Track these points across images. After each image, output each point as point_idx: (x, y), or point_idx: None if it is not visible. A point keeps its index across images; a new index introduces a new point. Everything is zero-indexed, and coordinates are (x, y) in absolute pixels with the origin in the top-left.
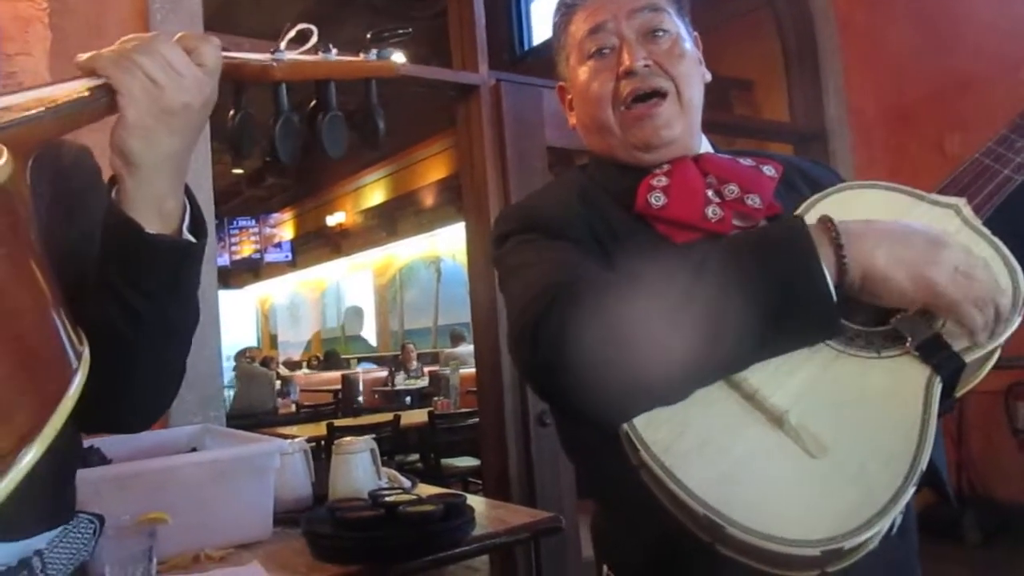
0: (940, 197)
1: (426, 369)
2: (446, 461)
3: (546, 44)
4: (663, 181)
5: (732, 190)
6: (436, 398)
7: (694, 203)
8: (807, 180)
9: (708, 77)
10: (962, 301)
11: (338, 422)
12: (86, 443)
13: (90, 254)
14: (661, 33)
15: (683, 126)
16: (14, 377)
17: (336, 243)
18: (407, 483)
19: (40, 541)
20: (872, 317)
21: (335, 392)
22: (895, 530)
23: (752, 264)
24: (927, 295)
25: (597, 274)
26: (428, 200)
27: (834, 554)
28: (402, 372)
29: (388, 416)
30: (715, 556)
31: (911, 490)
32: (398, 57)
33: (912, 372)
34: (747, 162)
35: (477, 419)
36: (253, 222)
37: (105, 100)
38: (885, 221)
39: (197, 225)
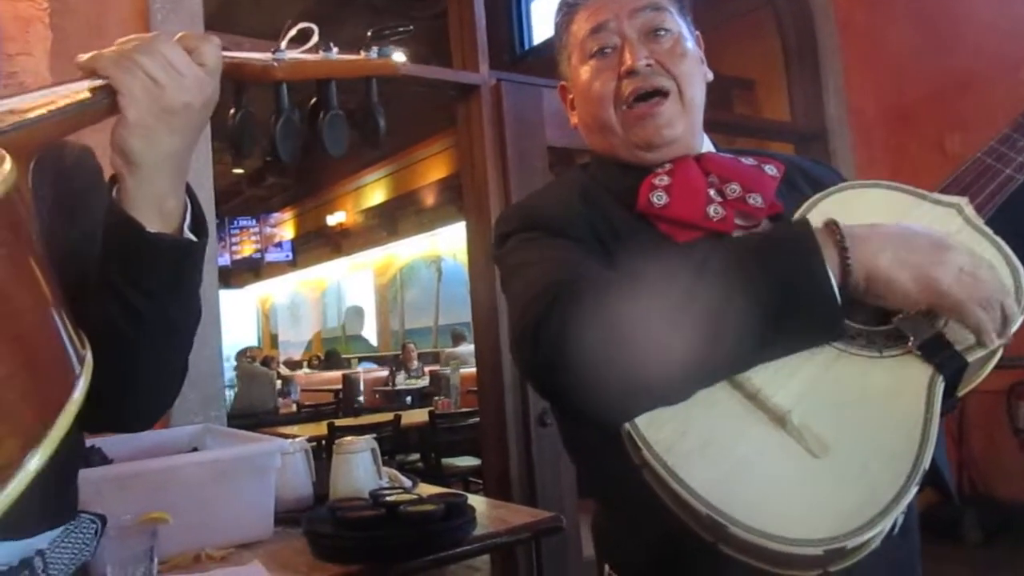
0: (942, 196)
1: (427, 369)
2: (447, 461)
3: (546, 44)
4: (665, 180)
5: (734, 189)
6: (437, 398)
7: (696, 202)
8: (808, 179)
9: (710, 76)
10: (967, 301)
11: (339, 422)
12: (87, 443)
13: (92, 254)
14: (663, 32)
15: (685, 125)
16: (18, 383)
17: (337, 243)
18: (408, 483)
19: (42, 541)
20: (874, 316)
21: (336, 392)
22: (897, 530)
23: (756, 265)
24: (932, 296)
25: (598, 273)
26: (429, 200)
27: (836, 553)
28: (403, 372)
29: (389, 416)
30: (717, 556)
31: (914, 489)
32: (399, 56)
33: (914, 371)
34: (749, 161)
35: (478, 419)
36: (254, 222)
37: (107, 101)
38: (890, 224)
39: (198, 224)
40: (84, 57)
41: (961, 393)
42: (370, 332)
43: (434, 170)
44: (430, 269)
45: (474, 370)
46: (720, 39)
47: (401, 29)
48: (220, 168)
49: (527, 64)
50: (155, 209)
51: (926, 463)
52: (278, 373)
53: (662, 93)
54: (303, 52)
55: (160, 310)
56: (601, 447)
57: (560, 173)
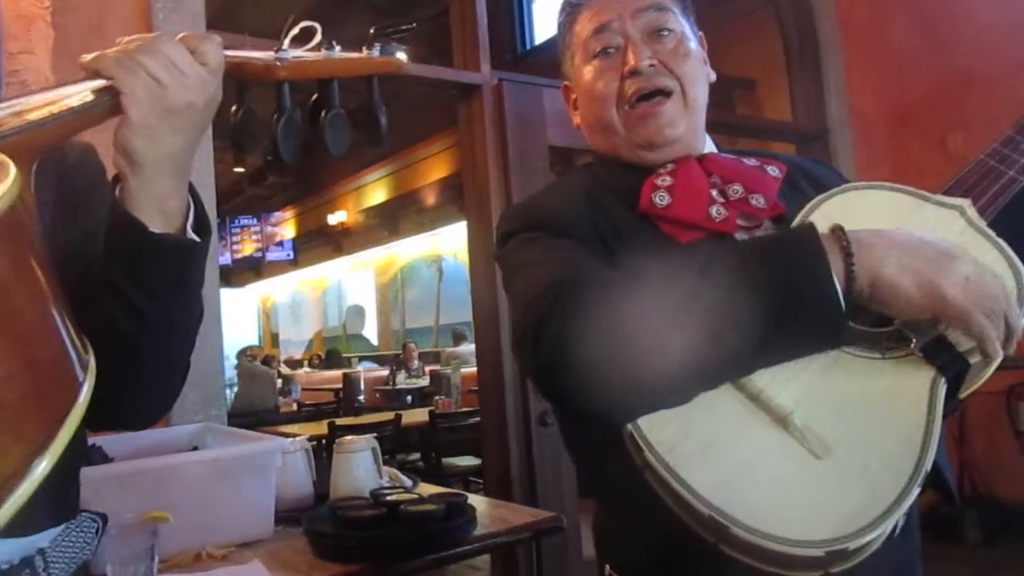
0: (945, 198)
1: (427, 368)
2: (447, 460)
3: (548, 43)
4: (667, 180)
5: (736, 190)
6: (437, 397)
7: (698, 203)
8: (811, 180)
9: (713, 77)
10: (972, 311)
11: (339, 421)
12: (88, 441)
13: (94, 252)
14: (666, 32)
15: (687, 125)
16: (23, 392)
17: (338, 242)
18: (408, 482)
19: (43, 539)
20: (876, 318)
21: (336, 391)
22: (898, 531)
23: (760, 268)
24: (936, 304)
25: (600, 273)
26: (430, 199)
27: (838, 555)
28: (403, 371)
29: (389, 415)
30: (718, 556)
31: (916, 491)
32: (401, 54)
33: (916, 373)
34: (751, 162)
35: (478, 418)
36: (255, 221)
37: (110, 102)
38: (897, 231)
39: (201, 224)
40: (87, 58)
41: (963, 395)
42: (371, 331)
43: (435, 170)
44: (431, 268)
45: (475, 370)
46: (721, 39)
47: (404, 27)
48: (221, 167)
49: (528, 64)
50: (157, 209)
51: (928, 465)
52: (279, 372)
53: (665, 93)
54: (306, 51)
55: (162, 310)
56: (602, 447)
57: (561, 173)
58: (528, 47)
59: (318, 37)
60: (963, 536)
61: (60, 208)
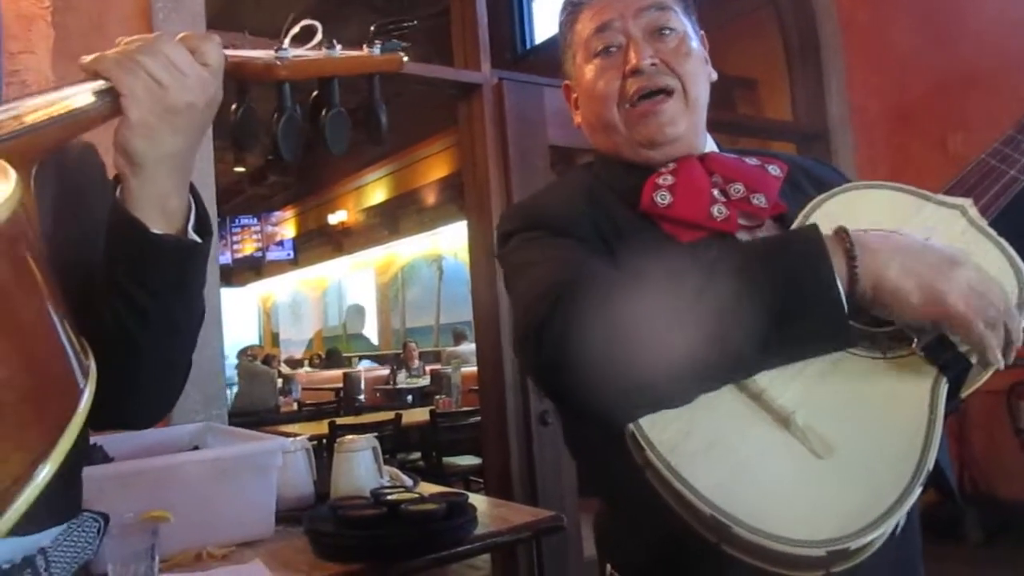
0: (946, 198)
1: (428, 368)
2: (448, 460)
3: (548, 42)
4: (669, 180)
5: (738, 189)
6: (438, 396)
7: (700, 202)
8: (812, 180)
9: (714, 76)
10: (974, 319)
11: (340, 420)
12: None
13: (95, 251)
14: (668, 32)
15: (688, 124)
16: (24, 400)
17: (338, 241)
18: (409, 481)
19: (45, 538)
20: (877, 318)
21: (337, 390)
22: (899, 530)
23: (763, 269)
24: (937, 310)
25: (602, 273)
26: (430, 198)
27: (840, 555)
28: (404, 371)
29: (390, 414)
30: (720, 556)
31: (917, 491)
32: (402, 53)
33: (918, 373)
34: (752, 161)
35: (479, 418)
36: (255, 220)
37: (110, 102)
38: (902, 235)
39: (202, 224)
40: (87, 59)
41: (965, 394)
42: (371, 331)
43: (435, 169)
44: (431, 268)
45: (475, 369)
46: (722, 39)
47: (405, 24)
48: (221, 167)
49: (529, 63)
50: (158, 209)
51: (930, 464)
52: (279, 372)
53: (666, 92)
54: (306, 50)
55: (164, 310)
56: (604, 446)
57: (562, 172)
58: (528, 46)
59: (318, 36)
60: (963, 535)
61: (61, 209)
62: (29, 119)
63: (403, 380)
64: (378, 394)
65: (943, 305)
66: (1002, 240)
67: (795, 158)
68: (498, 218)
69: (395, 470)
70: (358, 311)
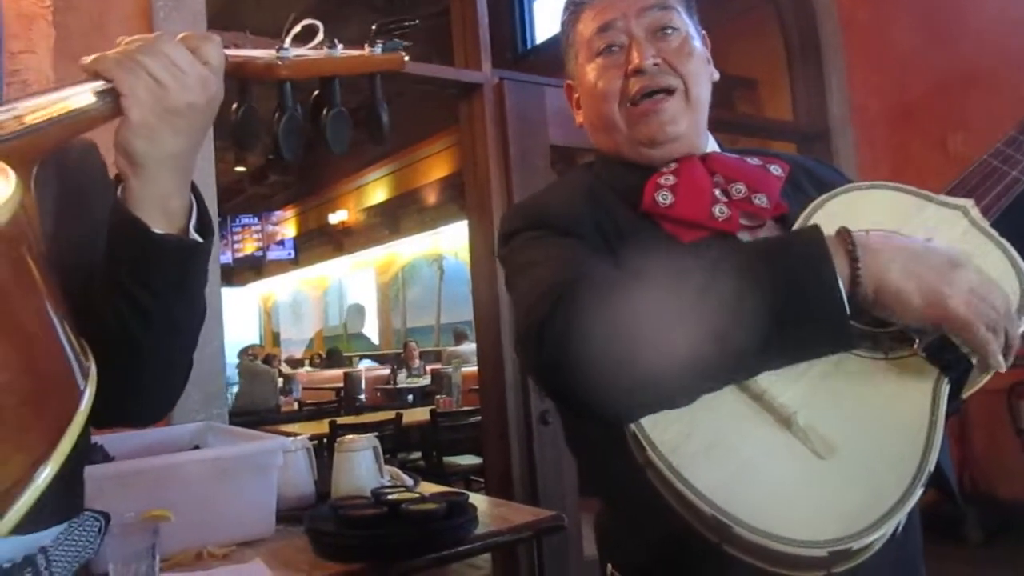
0: (948, 198)
1: (428, 367)
2: (448, 459)
3: (549, 42)
4: (670, 180)
5: (739, 189)
6: (438, 396)
7: (701, 202)
8: (813, 180)
9: (716, 76)
10: (975, 322)
11: (340, 420)
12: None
13: (96, 250)
14: (670, 31)
15: (689, 123)
16: (25, 402)
17: (339, 241)
18: (409, 481)
19: (46, 537)
20: (879, 318)
21: (337, 390)
22: (900, 530)
23: (765, 269)
24: (939, 313)
25: (604, 273)
26: (431, 198)
27: (841, 555)
28: (404, 370)
29: (390, 414)
30: (721, 556)
31: (919, 491)
32: (402, 52)
33: (920, 373)
34: (754, 161)
35: (479, 417)
36: (256, 220)
37: (110, 103)
38: (904, 237)
39: (203, 224)
40: (87, 60)
41: (967, 394)
42: (372, 330)
43: (436, 169)
44: (432, 267)
45: (476, 369)
46: (723, 38)
47: (407, 23)
48: (222, 166)
49: (529, 63)
50: (159, 209)
51: (931, 465)
52: (280, 371)
53: (668, 91)
54: (307, 49)
55: (166, 309)
56: (605, 446)
57: (562, 172)
58: (529, 46)
59: (320, 35)
60: (964, 535)
61: (62, 209)
62: (29, 119)
63: (404, 380)
64: (379, 394)
65: (944, 308)
66: (1004, 241)
67: (796, 158)
68: (499, 218)
69: (396, 470)
70: (358, 310)
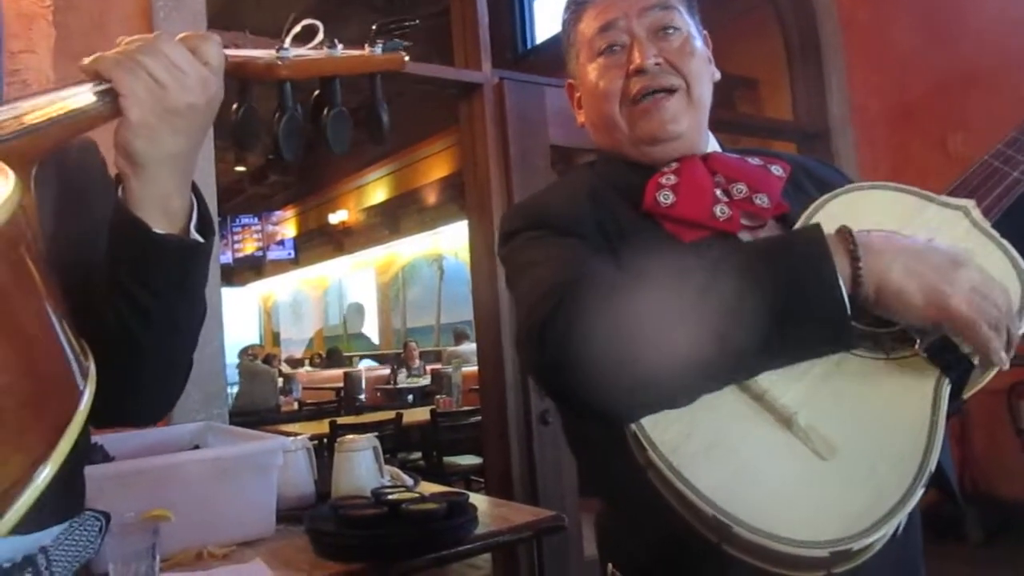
0: (949, 199)
1: (429, 367)
2: (448, 459)
3: (549, 42)
4: (671, 179)
5: (740, 189)
6: (439, 396)
7: (702, 202)
8: (814, 180)
9: (717, 76)
10: (977, 321)
11: (340, 420)
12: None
13: (97, 249)
14: (672, 31)
15: (690, 121)
16: (24, 402)
17: (339, 241)
18: (410, 481)
19: (46, 536)
20: (880, 318)
21: (338, 390)
22: (900, 530)
23: (766, 269)
24: (940, 313)
25: (604, 272)
26: (431, 198)
27: (842, 555)
28: (404, 370)
29: (391, 414)
30: (722, 556)
31: (920, 492)
32: (403, 52)
33: (921, 374)
34: (755, 161)
35: (480, 417)
36: (256, 220)
37: (110, 103)
38: (906, 236)
39: (204, 224)
40: (87, 60)
41: (968, 395)
42: (372, 330)
43: (436, 168)
44: (432, 267)
45: (476, 369)
46: (723, 38)
47: (407, 23)
48: (222, 166)
49: (530, 62)
50: (160, 209)
51: (932, 465)
52: (280, 371)
53: (670, 91)
54: (307, 49)
55: (167, 309)
56: (605, 446)
57: (562, 172)
58: (529, 46)
59: (320, 35)
60: (964, 535)
61: (62, 208)
62: (29, 119)
63: (404, 380)
64: (379, 393)
65: (946, 307)
66: (1005, 242)
67: (797, 158)
68: (499, 218)
69: (396, 470)
70: (358, 309)
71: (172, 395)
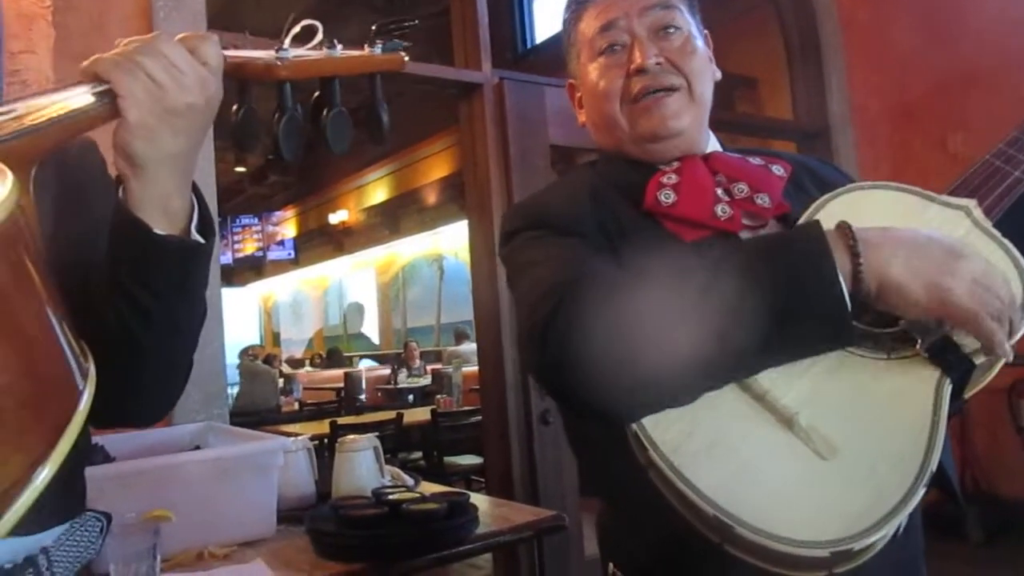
0: (951, 199)
1: (429, 367)
2: (449, 459)
3: (549, 42)
4: (673, 179)
5: (741, 189)
6: (439, 396)
7: (704, 201)
8: (815, 180)
9: (718, 75)
10: (979, 313)
11: (341, 420)
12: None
13: (97, 248)
14: (673, 30)
15: (691, 119)
16: (24, 402)
17: (339, 241)
18: (410, 481)
19: (47, 537)
20: (881, 318)
21: (338, 390)
22: (901, 530)
23: (766, 267)
24: (943, 307)
25: (605, 272)
26: (431, 198)
27: (843, 555)
28: (405, 370)
29: (391, 414)
30: (723, 556)
31: (921, 492)
32: (402, 52)
33: (922, 374)
34: (756, 161)
35: (480, 417)
36: (256, 220)
37: (109, 104)
38: (904, 229)
39: (205, 225)
40: (86, 63)
41: (969, 395)
42: (372, 330)
43: (436, 168)
44: (432, 267)
45: (476, 368)
46: (723, 37)
47: (406, 23)
48: (222, 166)
49: (530, 62)
50: (160, 209)
51: (934, 465)
52: (280, 371)
53: (671, 90)
54: (307, 50)
55: (167, 310)
56: (606, 446)
57: (562, 172)
58: (529, 45)
59: (319, 36)
60: (965, 534)
61: (61, 208)
62: (28, 120)
63: (404, 380)
64: (379, 394)
65: (948, 302)
66: (1006, 241)
67: (799, 158)
68: (499, 218)
69: (396, 470)
70: (357, 308)
71: (172, 396)
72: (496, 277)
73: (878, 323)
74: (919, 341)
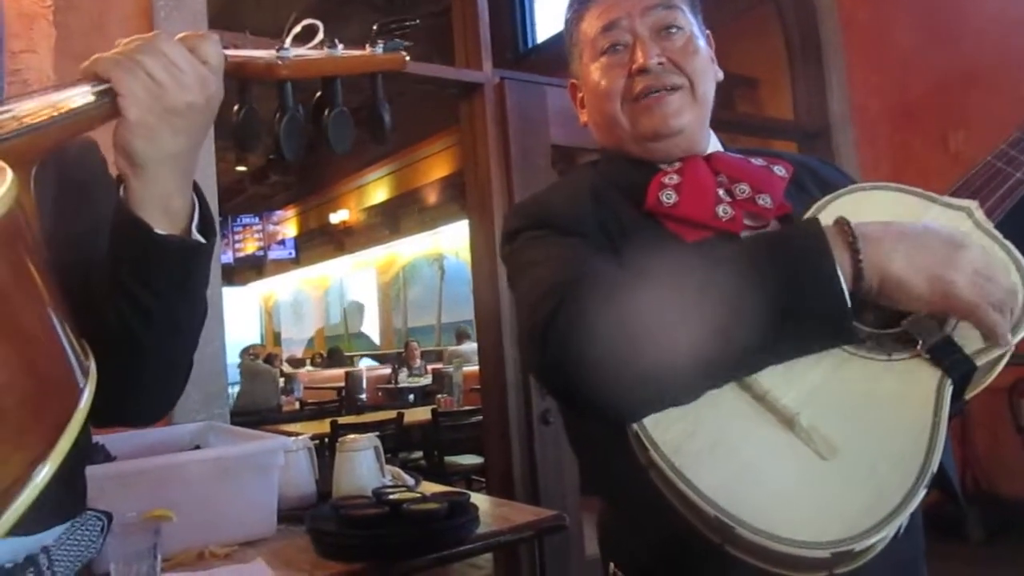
0: (952, 200)
1: (430, 367)
2: (450, 459)
3: (550, 41)
4: (674, 179)
5: (743, 189)
6: (440, 395)
7: (705, 202)
8: (817, 180)
9: (720, 75)
10: (981, 303)
11: (342, 419)
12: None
13: (97, 248)
14: (675, 30)
15: (693, 118)
16: (24, 400)
17: (339, 240)
18: (411, 481)
19: (48, 537)
20: (882, 318)
21: (339, 390)
22: (902, 531)
23: (766, 265)
24: (945, 300)
25: (606, 271)
26: (431, 198)
27: (844, 556)
28: (405, 370)
29: (392, 414)
30: (724, 556)
31: (922, 493)
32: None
33: (923, 375)
34: (758, 162)
35: (481, 417)
36: (256, 219)
37: (109, 103)
38: (903, 223)
39: (206, 224)
40: (85, 64)
41: (970, 396)
42: (372, 330)
43: (437, 168)
44: (433, 267)
45: (477, 368)
46: (724, 37)
47: (407, 23)
48: (223, 166)
49: (530, 62)
50: (161, 209)
51: (934, 466)
52: (281, 371)
53: (673, 89)
54: (308, 49)
55: (168, 310)
56: (607, 445)
57: (563, 172)
58: (530, 45)
59: (320, 35)
60: (965, 534)
61: (62, 207)
62: (28, 119)
63: (405, 379)
64: (380, 393)
65: (951, 295)
66: (1008, 243)
67: (800, 158)
68: (500, 217)
69: (397, 469)
70: (357, 307)
71: (173, 395)
72: (497, 277)
73: (879, 323)
74: (920, 342)
